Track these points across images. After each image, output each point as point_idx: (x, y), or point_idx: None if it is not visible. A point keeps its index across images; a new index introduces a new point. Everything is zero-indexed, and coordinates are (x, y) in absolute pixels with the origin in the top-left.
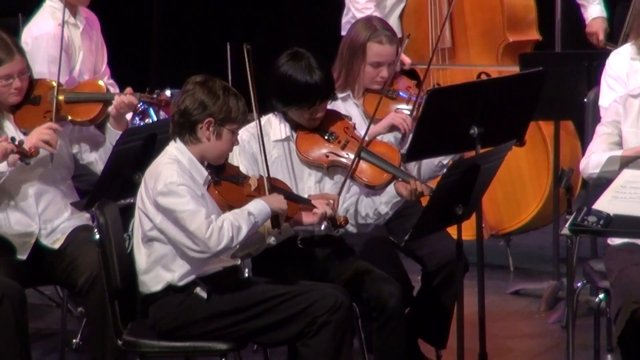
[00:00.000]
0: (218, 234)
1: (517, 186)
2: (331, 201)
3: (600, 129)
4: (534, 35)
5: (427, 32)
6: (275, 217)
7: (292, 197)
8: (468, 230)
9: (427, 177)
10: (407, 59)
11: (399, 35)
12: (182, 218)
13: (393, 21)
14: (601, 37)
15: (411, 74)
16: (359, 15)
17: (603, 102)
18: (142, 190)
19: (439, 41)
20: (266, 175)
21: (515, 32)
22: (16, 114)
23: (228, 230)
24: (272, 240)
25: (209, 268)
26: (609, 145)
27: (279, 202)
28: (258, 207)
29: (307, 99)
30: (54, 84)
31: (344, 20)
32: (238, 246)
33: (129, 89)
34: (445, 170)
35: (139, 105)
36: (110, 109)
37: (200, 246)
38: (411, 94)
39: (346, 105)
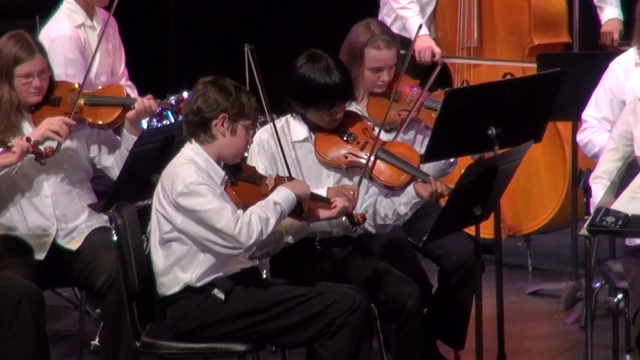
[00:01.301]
0: (247, 229)
1: (534, 187)
2: (351, 192)
3: (608, 144)
4: (564, 37)
5: (456, 29)
6: (299, 204)
7: (311, 196)
8: (485, 231)
9: (435, 175)
10: (437, 49)
11: (432, 35)
12: (208, 217)
13: (424, 22)
14: (616, 37)
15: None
16: (400, 12)
17: (585, 112)
18: (158, 192)
19: (467, 40)
20: (287, 175)
21: (542, 34)
22: (35, 114)
23: (257, 223)
24: (289, 239)
25: (227, 269)
26: (613, 163)
27: (302, 186)
28: (283, 195)
29: (326, 100)
30: (76, 86)
31: (379, 17)
32: (268, 237)
33: (149, 95)
34: (452, 167)
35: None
36: (130, 112)
37: (231, 242)
38: (414, 94)
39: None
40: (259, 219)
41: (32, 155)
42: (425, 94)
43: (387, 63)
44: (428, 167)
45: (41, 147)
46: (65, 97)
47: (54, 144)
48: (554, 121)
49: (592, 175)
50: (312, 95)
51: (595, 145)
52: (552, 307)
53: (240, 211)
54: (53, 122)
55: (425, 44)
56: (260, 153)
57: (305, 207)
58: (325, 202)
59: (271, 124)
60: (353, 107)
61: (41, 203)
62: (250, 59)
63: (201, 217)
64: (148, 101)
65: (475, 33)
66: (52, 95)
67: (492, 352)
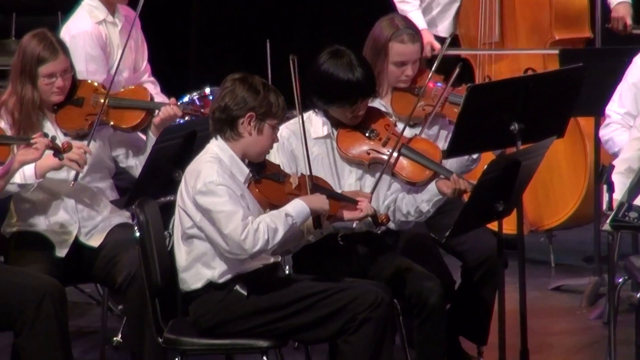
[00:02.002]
0: (253, 236)
1: (555, 183)
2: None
3: (632, 133)
4: (585, 33)
5: (478, 25)
6: (317, 217)
7: (334, 195)
8: (507, 226)
9: (458, 172)
10: (436, 44)
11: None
12: (218, 219)
13: (448, 20)
14: (629, 21)
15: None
16: (400, 6)
17: (609, 107)
18: (182, 188)
19: (488, 35)
20: (308, 173)
21: (563, 29)
22: (58, 114)
23: (264, 232)
24: (311, 237)
25: (249, 265)
26: (637, 152)
27: (321, 202)
28: (297, 208)
29: (349, 96)
30: (96, 84)
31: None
32: (275, 247)
33: (172, 100)
34: (476, 164)
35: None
36: (156, 119)
37: (235, 248)
38: (438, 90)
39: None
40: (267, 228)
41: (50, 151)
42: (449, 89)
43: (411, 57)
44: (451, 164)
45: (58, 142)
46: (88, 98)
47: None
48: (575, 117)
49: (615, 162)
50: (334, 92)
51: (615, 144)
52: (575, 302)
53: (250, 218)
54: (74, 151)
55: (425, 39)
56: (280, 150)
57: (322, 221)
58: (351, 202)
59: (300, 127)
60: (377, 102)
61: (63, 200)
62: (293, 69)
63: (212, 218)
64: (172, 108)
65: (497, 29)
66: (74, 95)
67: (515, 347)
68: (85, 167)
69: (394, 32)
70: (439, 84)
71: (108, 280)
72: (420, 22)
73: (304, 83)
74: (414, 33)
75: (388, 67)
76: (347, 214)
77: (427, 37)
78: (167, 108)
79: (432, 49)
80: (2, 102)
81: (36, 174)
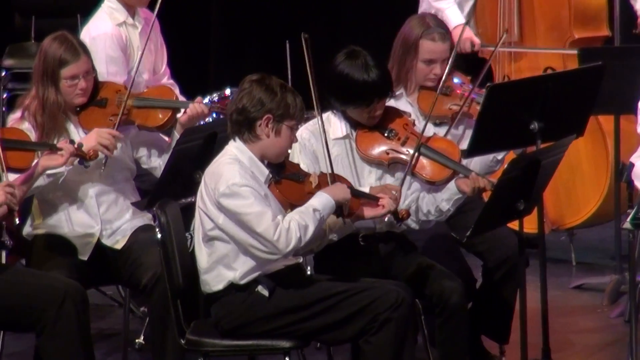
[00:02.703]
0: (286, 236)
1: (577, 181)
2: (394, 192)
3: None
4: (604, 31)
5: (497, 25)
6: (339, 207)
7: (355, 192)
8: (528, 225)
9: (482, 172)
10: (476, 40)
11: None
12: (248, 221)
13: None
14: None
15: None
16: (435, 4)
17: None
18: (202, 189)
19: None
20: (329, 171)
21: (582, 28)
22: (81, 115)
23: (295, 230)
24: (333, 236)
25: (271, 266)
26: None
27: (342, 191)
28: (322, 201)
29: (364, 97)
30: (122, 87)
31: (419, 12)
32: (306, 244)
33: (199, 98)
34: (499, 165)
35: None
36: (183, 117)
37: (269, 248)
38: (465, 89)
39: (399, 104)
40: (298, 225)
41: (76, 158)
42: (476, 89)
43: (440, 56)
44: (475, 164)
45: (84, 150)
46: (112, 98)
47: (101, 155)
48: (595, 115)
49: (632, 159)
50: (350, 93)
51: None
52: (596, 301)
53: (280, 217)
54: (103, 136)
55: (465, 35)
56: (302, 152)
57: (345, 210)
58: (372, 199)
59: (319, 120)
60: (403, 99)
61: (85, 203)
62: (305, 49)
63: (242, 220)
64: (200, 106)
65: (516, 27)
66: (97, 96)
67: (537, 346)
68: (116, 151)
69: (424, 30)
70: (465, 84)
71: (132, 282)
72: (458, 17)
73: (322, 83)
74: (445, 32)
75: (417, 64)
76: (368, 212)
77: (467, 33)
78: (195, 106)
79: (472, 44)
80: (26, 106)
81: None
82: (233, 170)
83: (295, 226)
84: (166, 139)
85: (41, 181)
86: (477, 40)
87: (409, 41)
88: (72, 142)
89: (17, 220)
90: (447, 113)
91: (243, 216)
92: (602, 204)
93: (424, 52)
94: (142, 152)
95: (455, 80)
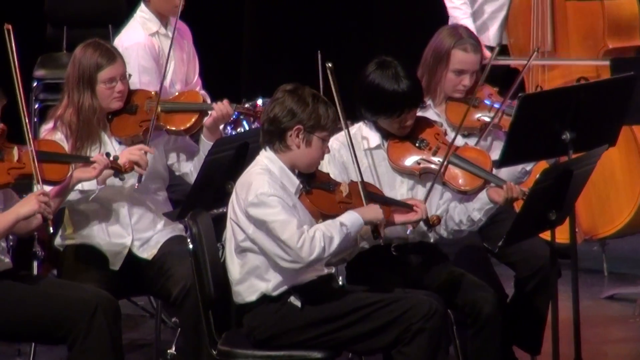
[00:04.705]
0: (310, 244)
1: (610, 191)
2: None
3: None
4: (636, 41)
5: (529, 35)
6: (375, 227)
7: (386, 201)
8: (560, 235)
9: None
10: (487, 53)
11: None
12: (273, 228)
13: (494, 29)
14: None
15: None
16: (449, 4)
17: None
18: (233, 200)
19: (541, 44)
20: (360, 180)
21: (616, 38)
22: (113, 122)
23: (320, 240)
24: (364, 244)
25: (303, 277)
26: None
27: (375, 212)
28: (351, 218)
29: (394, 108)
30: (152, 93)
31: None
32: (330, 256)
33: (225, 100)
34: (527, 176)
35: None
36: (208, 119)
37: (292, 256)
38: (494, 101)
39: (427, 115)
40: (323, 236)
41: (111, 171)
42: (507, 101)
43: (471, 67)
44: (502, 175)
45: (120, 163)
46: (142, 105)
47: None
48: (629, 125)
49: None
50: (380, 103)
51: None
52: (629, 311)
53: (306, 226)
54: (133, 153)
55: None
56: (331, 162)
57: (381, 231)
58: (403, 206)
59: (346, 132)
60: (431, 111)
61: (117, 213)
62: (330, 78)
63: (268, 228)
64: (225, 107)
65: (549, 37)
66: (128, 104)
67: (569, 357)
68: (148, 168)
69: (457, 41)
70: (493, 96)
71: (163, 293)
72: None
73: (353, 94)
74: (476, 44)
75: (447, 75)
76: (398, 217)
77: None
78: (220, 106)
79: (483, 57)
80: (58, 116)
81: (97, 181)
82: (262, 180)
83: (320, 236)
84: (196, 144)
85: (72, 196)
86: (487, 53)
87: (440, 51)
88: (107, 155)
89: (51, 229)
90: (476, 124)
91: (269, 224)
92: (635, 214)
93: (455, 62)
94: (173, 158)
95: (487, 94)
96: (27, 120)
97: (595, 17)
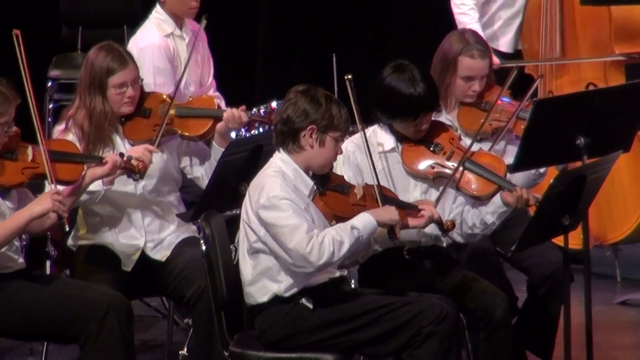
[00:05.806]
0: (319, 249)
1: (618, 196)
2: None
3: None
4: None
5: (538, 41)
6: (392, 229)
7: (399, 204)
8: (573, 240)
9: (524, 186)
10: (496, 60)
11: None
12: (282, 233)
13: (509, 35)
14: None
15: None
16: (456, 10)
17: None
18: (246, 202)
19: (550, 50)
20: (375, 183)
21: (623, 43)
22: (125, 126)
23: (329, 245)
24: (377, 247)
25: (315, 279)
26: None
27: (390, 213)
28: (363, 220)
29: (410, 111)
30: (165, 97)
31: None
32: (341, 260)
33: (242, 107)
34: (542, 178)
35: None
36: (219, 124)
37: (300, 262)
38: (505, 104)
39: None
40: (333, 240)
41: (122, 172)
42: (524, 104)
43: (479, 72)
44: (517, 178)
45: (133, 163)
46: (156, 109)
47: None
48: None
49: None
50: (396, 106)
51: None
52: None
53: (316, 230)
54: (137, 150)
55: None
56: (346, 164)
57: (397, 232)
58: (413, 209)
59: (362, 134)
60: (443, 116)
61: (131, 215)
62: (349, 89)
63: (276, 232)
64: (236, 111)
65: (558, 44)
66: (142, 107)
67: None
68: (162, 163)
69: (464, 47)
70: (505, 99)
71: (176, 294)
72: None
73: (368, 97)
74: (484, 49)
75: (456, 81)
76: (411, 221)
77: None
78: (232, 111)
79: (492, 61)
80: (70, 116)
81: (103, 181)
82: (275, 183)
83: (330, 240)
84: (208, 148)
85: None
86: (496, 60)
87: (448, 57)
88: (121, 155)
89: (67, 227)
90: (487, 129)
91: (278, 228)
92: None
93: (463, 68)
94: (185, 161)
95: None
96: (38, 122)
97: (603, 23)
